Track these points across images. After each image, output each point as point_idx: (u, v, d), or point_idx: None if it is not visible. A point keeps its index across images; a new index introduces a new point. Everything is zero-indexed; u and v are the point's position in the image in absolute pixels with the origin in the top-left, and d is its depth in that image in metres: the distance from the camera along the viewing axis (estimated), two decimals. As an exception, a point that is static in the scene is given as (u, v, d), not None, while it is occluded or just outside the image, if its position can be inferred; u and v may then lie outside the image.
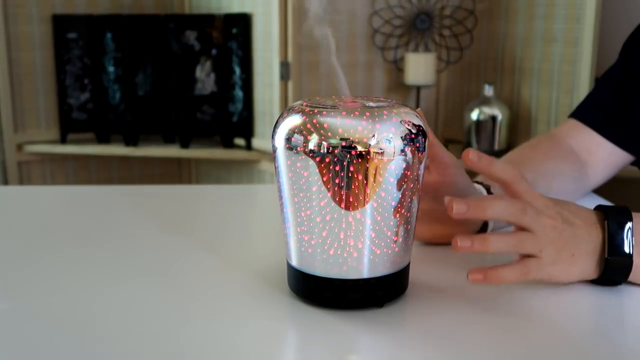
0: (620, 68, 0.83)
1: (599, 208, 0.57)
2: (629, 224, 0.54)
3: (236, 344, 0.48)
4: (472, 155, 0.53)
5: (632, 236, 0.54)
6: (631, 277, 0.55)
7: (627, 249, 0.54)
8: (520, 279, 0.53)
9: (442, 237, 0.66)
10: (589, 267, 0.55)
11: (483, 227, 0.68)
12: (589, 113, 0.83)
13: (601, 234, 0.55)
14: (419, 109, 0.57)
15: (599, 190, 0.87)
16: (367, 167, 0.48)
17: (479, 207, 0.52)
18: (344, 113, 0.49)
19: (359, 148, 0.47)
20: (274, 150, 0.51)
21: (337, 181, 0.48)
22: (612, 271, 0.55)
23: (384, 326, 0.50)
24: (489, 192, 0.68)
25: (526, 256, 0.54)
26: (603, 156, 0.81)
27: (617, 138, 0.80)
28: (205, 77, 2.18)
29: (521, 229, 0.53)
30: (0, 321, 0.51)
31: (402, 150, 0.49)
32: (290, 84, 1.95)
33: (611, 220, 0.55)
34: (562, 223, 0.54)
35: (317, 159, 0.48)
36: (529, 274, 0.53)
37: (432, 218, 0.64)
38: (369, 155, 0.47)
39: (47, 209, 0.86)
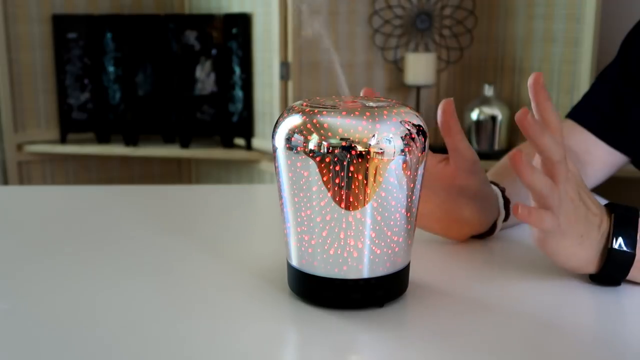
0: (617, 68, 0.83)
1: (608, 205, 0.58)
2: (635, 220, 0.55)
3: (236, 344, 0.48)
4: (530, 117, 0.51)
5: (636, 233, 0.54)
6: (631, 274, 0.55)
7: (630, 244, 0.54)
8: (552, 225, 0.52)
9: (449, 229, 0.66)
10: (592, 254, 0.55)
11: (492, 228, 0.68)
12: (585, 114, 0.83)
13: (608, 226, 0.55)
14: (451, 99, 0.58)
15: (599, 190, 0.87)
16: (367, 167, 0.48)
17: (526, 168, 0.50)
18: (344, 113, 0.49)
19: (359, 148, 0.47)
20: (274, 150, 0.51)
21: (337, 181, 0.48)
22: (613, 264, 0.55)
23: (384, 326, 0.50)
24: (503, 194, 0.68)
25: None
26: (601, 156, 0.81)
27: (613, 140, 0.80)
28: (205, 77, 2.18)
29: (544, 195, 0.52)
30: (0, 321, 0.51)
31: (402, 150, 0.49)
32: (290, 84, 1.95)
33: (618, 214, 0.55)
34: (579, 201, 0.54)
35: (317, 159, 0.48)
36: (559, 226, 0.52)
37: (442, 210, 0.64)
38: (369, 155, 0.47)
39: (47, 209, 0.86)
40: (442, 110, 0.60)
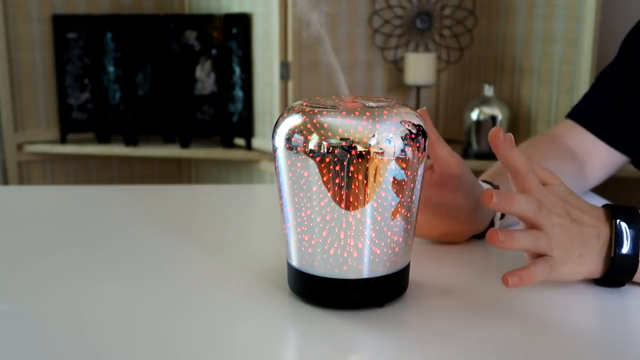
0: (617, 68, 0.83)
1: (607, 207, 0.57)
2: (636, 224, 0.54)
3: (236, 344, 0.48)
4: (501, 134, 0.52)
5: (638, 236, 0.54)
6: (636, 277, 0.55)
7: (633, 248, 0.54)
8: (546, 276, 0.52)
9: (449, 235, 0.66)
10: (595, 265, 0.55)
11: (490, 226, 0.68)
12: (584, 114, 0.83)
13: (609, 232, 0.55)
14: (423, 108, 0.57)
15: (599, 190, 0.87)
16: (367, 167, 0.48)
17: (508, 200, 0.51)
18: (344, 113, 0.49)
19: (359, 148, 0.47)
20: (274, 150, 0.51)
21: (337, 181, 0.48)
22: (617, 270, 0.55)
23: (384, 326, 0.50)
24: None
25: (537, 255, 0.53)
26: (600, 156, 0.81)
27: (612, 140, 0.80)
28: (205, 77, 2.18)
29: (532, 226, 0.53)
30: (0, 321, 0.51)
31: (402, 150, 0.49)
32: (290, 84, 1.95)
33: (619, 218, 0.55)
34: (570, 222, 0.54)
35: (317, 159, 0.48)
36: (551, 272, 0.53)
37: (438, 218, 0.64)
38: (369, 155, 0.47)
39: (47, 209, 0.86)
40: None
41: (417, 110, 0.58)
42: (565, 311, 0.54)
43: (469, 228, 0.66)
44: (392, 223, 0.50)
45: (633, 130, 0.80)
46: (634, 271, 0.55)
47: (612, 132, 0.80)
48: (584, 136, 0.81)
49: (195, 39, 2.16)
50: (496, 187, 0.68)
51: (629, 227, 0.54)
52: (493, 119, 1.92)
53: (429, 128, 0.58)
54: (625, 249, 0.54)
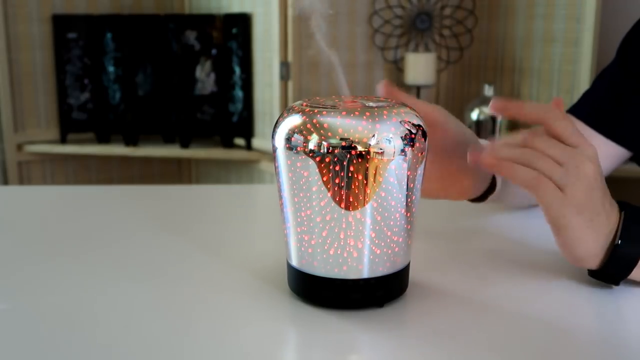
0: (616, 66, 0.83)
1: (618, 202, 0.57)
2: None
3: (236, 344, 0.48)
4: (499, 104, 0.53)
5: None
6: (634, 273, 0.55)
7: (636, 244, 0.54)
8: (553, 196, 0.52)
9: (451, 187, 0.65)
10: (598, 247, 0.54)
11: (491, 186, 0.67)
12: (581, 108, 0.83)
13: (617, 222, 0.55)
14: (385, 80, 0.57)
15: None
16: (367, 167, 0.48)
17: (517, 106, 0.51)
18: (344, 113, 0.49)
19: (359, 148, 0.47)
20: (274, 150, 0.51)
21: (337, 181, 0.48)
22: (616, 262, 0.54)
23: (384, 326, 0.50)
24: None
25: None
26: (599, 150, 0.81)
27: (609, 131, 0.80)
28: (205, 77, 2.18)
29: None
30: (1, 321, 0.51)
31: (402, 150, 0.49)
32: (290, 84, 1.95)
33: (628, 212, 0.55)
34: (600, 181, 0.53)
35: (317, 159, 0.48)
36: (561, 202, 0.52)
37: (438, 168, 0.63)
38: (369, 155, 0.47)
39: (47, 209, 0.86)
40: (383, 91, 0.59)
41: (379, 85, 0.58)
42: (564, 311, 0.54)
43: (470, 179, 0.65)
44: (392, 223, 0.50)
45: (631, 122, 0.79)
46: (632, 267, 0.55)
47: (609, 124, 0.80)
48: (580, 129, 0.81)
49: (195, 39, 2.17)
50: None
51: (636, 222, 0.54)
52: (493, 119, 1.93)
53: (399, 94, 0.58)
54: (629, 242, 0.54)
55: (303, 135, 0.48)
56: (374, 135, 0.48)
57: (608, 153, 0.81)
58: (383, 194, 0.49)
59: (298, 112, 0.50)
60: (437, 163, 0.63)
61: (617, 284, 0.56)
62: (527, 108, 0.54)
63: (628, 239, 0.54)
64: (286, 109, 0.52)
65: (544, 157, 0.53)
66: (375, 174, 0.48)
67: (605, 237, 0.54)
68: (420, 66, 1.98)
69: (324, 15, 0.51)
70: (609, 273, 0.56)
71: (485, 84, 1.95)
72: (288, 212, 0.52)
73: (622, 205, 0.56)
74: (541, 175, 0.52)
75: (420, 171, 0.52)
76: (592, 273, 0.57)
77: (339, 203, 0.49)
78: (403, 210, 0.51)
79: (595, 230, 0.54)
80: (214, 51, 2.16)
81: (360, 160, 0.47)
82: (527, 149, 0.54)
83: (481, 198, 0.69)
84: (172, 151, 2.21)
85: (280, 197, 0.52)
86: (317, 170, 0.48)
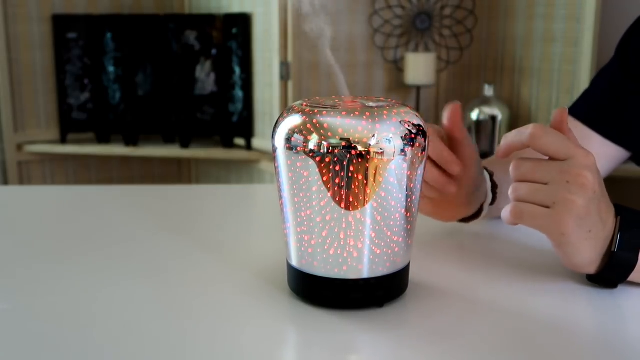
0: (615, 65, 0.83)
1: (614, 205, 0.57)
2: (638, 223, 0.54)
3: (236, 344, 0.48)
4: (503, 152, 0.55)
5: (638, 237, 0.54)
6: (632, 276, 0.55)
7: (633, 249, 0.54)
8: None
9: (443, 210, 0.67)
10: (595, 255, 0.54)
11: (478, 211, 0.69)
12: (579, 108, 0.83)
13: (613, 227, 0.55)
14: (457, 103, 0.59)
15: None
16: (367, 167, 0.48)
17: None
18: (344, 113, 0.49)
19: (359, 148, 0.47)
20: (274, 150, 0.51)
21: (337, 181, 0.48)
22: (613, 268, 0.54)
23: (384, 326, 0.50)
24: (491, 177, 0.69)
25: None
26: (596, 150, 0.80)
27: (608, 132, 0.80)
28: (205, 77, 2.18)
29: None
30: (1, 321, 0.51)
31: (402, 150, 0.49)
32: (290, 84, 1.95)
33: (624, 216, 0.55)
34: (600, 192, 0.53)
35: (317, 159, 0.48)
36: (529, 215, 0.53)
37: (445, 202, 0.65)
38: (369, 155, 0.47)
39: (47, 209, 0.86)
40: (449, 118, 0.61)
41: (450, 106, 0.59)
42: (564, 312, 0.54)
43: (461, 207, 0.67)
44: (392, 223, 0.50)
45: (630, 122, 0.79)
46: (630, 271, 0.55)
47: (608, 124, 0.80)
48: (578, 130, 0.81)
49: (195, 39, 2.17)
50: (491, 173, 0.69)
51: (632, 226, 0.54)
52: (493, 119, 1.93)
53: (458, 127, 0.60)
54: (626, 247, 0.54)
55: (303, 135, 0.48)
56: (374, 135, 0.48)
57: (607, 153, 0.81)
58: (383, 194, 0.49)
59: (298, 112, 0.50)
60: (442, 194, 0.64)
61: (615, 287, 0.57)
62: (508, 139, 0.55)
63: (624, 245, 0.54)
64: (286, 109, 0.52)
65: (522, 184, 0.54)
66: (375, 174, 0.48)
67: (603, 243, 0.54)
68: (420, 66, 1.98)
69: (324, 15, 0.51)
70: (606, 278, 0.56)
71: (485, 84, 1.95)
72: (288, 212, 0.52)
73: (618, 209, 0.56)
74: (519, 205, 0.54)
75: (420, 171, 0.52)
76: (591, 278, 0.57)
77: (339, 203, 0.49)
78: (403, 210, 0.51)
79: (593, 239, 0.54)
80: (214, 51, 2.16)
81: (360, 160, 0.47)
82: (511, 184, 0.55)
83: (467, 220, 0.70)
84: (172, 151, 2.21)
85: (280, 197, 0.52)
86: (317, 170, 0.48)
